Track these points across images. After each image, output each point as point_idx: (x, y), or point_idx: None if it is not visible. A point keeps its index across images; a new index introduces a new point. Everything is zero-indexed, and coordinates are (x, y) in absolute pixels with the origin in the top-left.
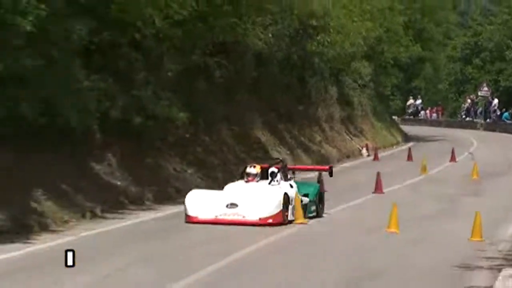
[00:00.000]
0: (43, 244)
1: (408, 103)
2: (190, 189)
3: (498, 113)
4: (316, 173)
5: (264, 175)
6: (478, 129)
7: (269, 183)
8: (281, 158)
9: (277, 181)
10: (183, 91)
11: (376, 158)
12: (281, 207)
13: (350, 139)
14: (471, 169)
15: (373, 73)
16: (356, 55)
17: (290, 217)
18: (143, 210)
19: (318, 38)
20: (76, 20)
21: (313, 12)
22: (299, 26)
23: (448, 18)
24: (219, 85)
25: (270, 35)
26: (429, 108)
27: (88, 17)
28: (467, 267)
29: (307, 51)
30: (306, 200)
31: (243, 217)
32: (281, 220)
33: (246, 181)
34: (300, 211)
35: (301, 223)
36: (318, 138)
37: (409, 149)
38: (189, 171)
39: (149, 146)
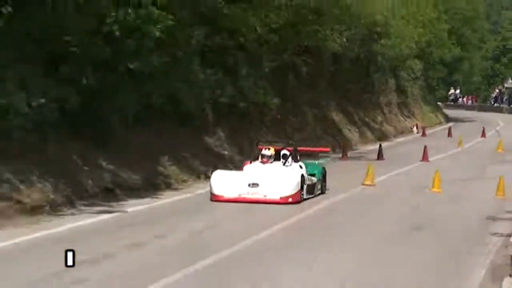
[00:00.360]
0: (168, 199)
1: (450, 92)
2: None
3: None
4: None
5: (276, 156)
6: (504, 112)
7: (284, 165)
8: (291, 142)
9: (289, 162)
10: (276, 82)
11: (423, 134)
12: (299, 187)
13: (404, 119)
14: (497, 143)
15: (423, 69)
16: (410, 55)
17: (304, 196)
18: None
19: (381, 41)
20: (195, 28)
21: (377, 21)
22: (367, 32)
23: (482, 26)
24: (303, 78)
25: (344, 39)
26: (466, 96)
27: (204, 25)
28: (493, 219)
29: (372, 51)
30: (314, 179)
31: (264, 196)
32: (298, 199)
33: (262, 162)
34: (371, 175)
35: (370, 185)
36: (379, 119)
37: (449, 128)
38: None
39: (250, 124)
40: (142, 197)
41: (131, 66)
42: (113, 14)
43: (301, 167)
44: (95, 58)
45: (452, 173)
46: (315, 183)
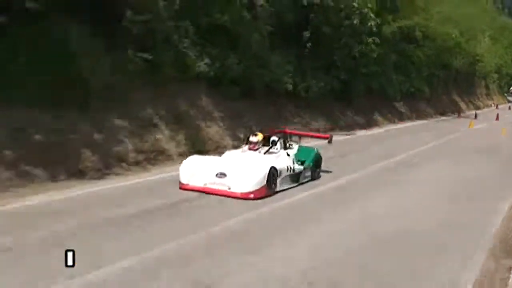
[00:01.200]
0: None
1: (510, 88)
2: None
3: None
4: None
5: (267, 142)
6: None
7: (267, 151)
8: (283, 127)
9: (276, 149)
10: (428, 80)
11: (497, 107)
12: (264, 183)
13: (488, 100)
14: None
15: (497, 77)
16: (492, 71)
17: (278, 188)
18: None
19: (479, 64)
20: (391, 56)
21: (477, 54)
22: (472, 59)
23: None
24: (440, 80)
25: (461, 62)
26: None
27: (395, 55)
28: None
29: (474, 68)
30: (300, 168)
31: (228, 188)
32: (263, 194)
33: (249, 149)
34: (472, 124)
35: (472, 128)
36: (476, 100)
37: (510, 106)
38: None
39: (417, 99)
40: (360, 130)
41: (363, 71)
42: (357, 47)
43: (288, 154)
44: (347, 67)
45: (510, 126)
46: (300, 172)
